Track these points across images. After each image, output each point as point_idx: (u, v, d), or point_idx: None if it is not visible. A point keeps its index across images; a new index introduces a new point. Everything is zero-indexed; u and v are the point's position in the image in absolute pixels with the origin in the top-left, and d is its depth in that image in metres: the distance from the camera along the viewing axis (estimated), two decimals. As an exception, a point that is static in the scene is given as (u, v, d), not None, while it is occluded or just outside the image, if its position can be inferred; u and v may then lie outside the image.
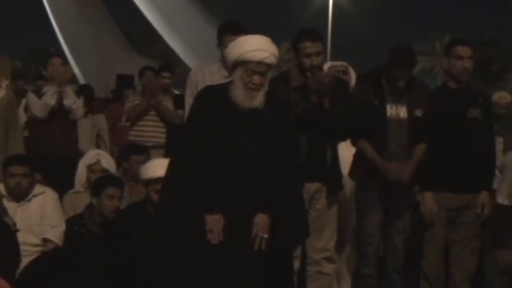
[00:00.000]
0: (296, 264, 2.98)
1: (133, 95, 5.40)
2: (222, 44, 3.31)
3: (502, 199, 3.61)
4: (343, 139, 3.32)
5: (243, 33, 2.84)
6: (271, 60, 2.43)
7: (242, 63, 2.40)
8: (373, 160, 3.10)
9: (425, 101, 3.21)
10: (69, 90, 4.77)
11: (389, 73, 3.16)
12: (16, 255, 3.04)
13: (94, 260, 2.98)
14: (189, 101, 3.44)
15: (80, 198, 3.65)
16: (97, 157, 3.74)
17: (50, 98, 4.54)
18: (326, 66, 3.46)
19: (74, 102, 4.69)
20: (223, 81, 2.91)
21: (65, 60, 6.95)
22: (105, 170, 3.66)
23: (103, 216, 3.16)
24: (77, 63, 27.00)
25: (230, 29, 3.35)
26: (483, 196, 3.26)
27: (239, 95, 2.41)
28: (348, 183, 3.39)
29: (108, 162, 3.77)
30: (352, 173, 3.32)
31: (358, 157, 3.27)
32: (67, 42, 27.82)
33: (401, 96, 3.16)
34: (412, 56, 3.26)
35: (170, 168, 2.58)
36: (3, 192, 3.27)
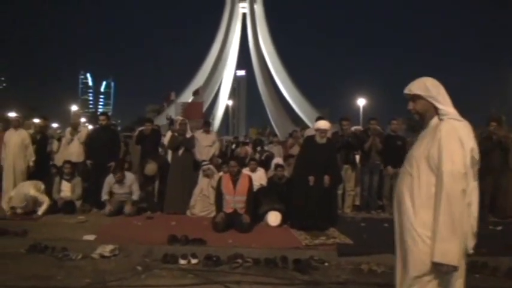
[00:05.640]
0: (339, 193, 9.12)
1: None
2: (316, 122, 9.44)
3: None
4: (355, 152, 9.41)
5: (322, 119, 8.94)
6: (327, 127, 8.44)
7: (318, 129, 8.44)
8: None
9: None
10: None
11: None
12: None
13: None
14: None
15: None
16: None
17: None
18: (352, 128, 9.56)
19: None
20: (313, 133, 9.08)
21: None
22: None
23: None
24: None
25: (319, 118, 9.53)
26: None
27: (318, 139, 8.43)
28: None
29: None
30: None
31: None
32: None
33: None
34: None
35: (297, 163, 8.79)
36: None
